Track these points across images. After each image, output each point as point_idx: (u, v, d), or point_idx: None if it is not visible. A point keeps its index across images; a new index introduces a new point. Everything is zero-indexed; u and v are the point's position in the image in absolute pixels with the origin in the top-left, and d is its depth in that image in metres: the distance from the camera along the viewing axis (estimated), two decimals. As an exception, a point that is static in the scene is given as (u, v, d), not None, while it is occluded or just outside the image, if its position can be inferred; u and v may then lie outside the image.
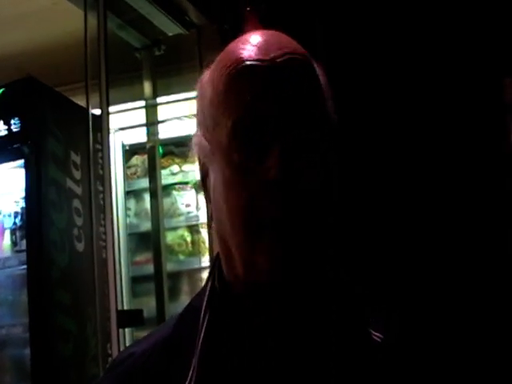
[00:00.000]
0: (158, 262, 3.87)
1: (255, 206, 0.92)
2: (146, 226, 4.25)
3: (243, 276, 0.96)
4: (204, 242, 4.28)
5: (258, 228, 0.92)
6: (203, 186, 1.04)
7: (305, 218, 0.93)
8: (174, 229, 4.42)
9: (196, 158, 1.06)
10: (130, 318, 3.15)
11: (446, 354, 1.03)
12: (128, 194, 4.63)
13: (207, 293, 1.03)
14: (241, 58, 0.97)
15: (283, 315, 0.98)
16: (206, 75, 1.03)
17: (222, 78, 0.97)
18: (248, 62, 0.96)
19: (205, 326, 0.99)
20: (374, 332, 1.00)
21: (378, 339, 0.99)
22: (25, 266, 3.42)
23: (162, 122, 3.96)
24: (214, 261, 1.07)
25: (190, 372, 0.96)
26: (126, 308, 4.27)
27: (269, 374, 0.96)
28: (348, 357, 0.96)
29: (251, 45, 0.98)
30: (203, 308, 1.01)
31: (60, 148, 3.56)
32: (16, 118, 3.41)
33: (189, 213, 4.35)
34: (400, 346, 1.00)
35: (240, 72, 0.96)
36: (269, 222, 0.92)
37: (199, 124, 1.03)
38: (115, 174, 4.46)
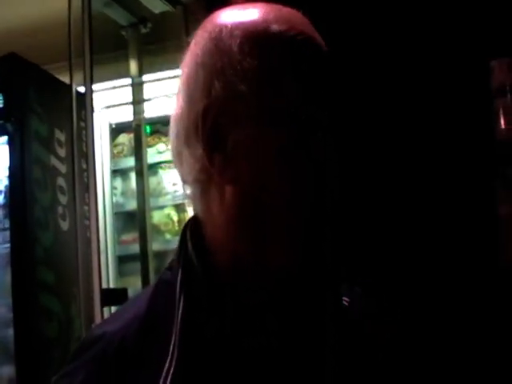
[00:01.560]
0: (143, 241, 3.85)
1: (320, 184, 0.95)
2: (133, 205, 4.22)
3: (286, 251, 0.96)
4: (190, 222, 4.25)
5: (317, 211, 0.94)
6: (211, 143, 0.95)
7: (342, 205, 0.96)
8: (161, 208, 4.39)
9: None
10: (115, 297, 3.12)
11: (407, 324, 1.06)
12: (114, 172, 4.59)
13: (181, 266, 0.99)
14: (302, 30, 0.98)
15: (286, 296, 0.97)
16: (232, 39, 0.97)
17: (290, 45, 0.96)
18: (310, 36, 0.98)
19: (182, 300, 0.96)
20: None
21: (346, 303, 1.03)
22: (8, 245, 3.40)
23: (148, 100, 3.92)
24: (182, 236, 1.03)
25: (171, 347, 0.93)
26: (112, 287, 4.26)
27: (254, 353, 0.95)
28: (334, 330, 0.98)
29: (298, 20, 1.00)
30: (178, 282, 0.98)
31: (44, 125, 3.53)
32: (-1, 95, 3.39)
33: (175, 192, 4.32)
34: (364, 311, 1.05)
35: (309, 43, 0.97)
36: (330, 205, 0.94)
37: (226, 75, 0.95)
38: (101, 152, 4.44)
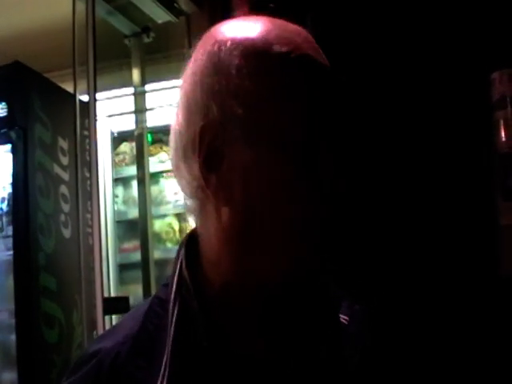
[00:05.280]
0: (145, 249, 3.86)
1: (316, 211, 0.93)
2: (134, 213, 4.24)
3: (283, 269, 0.94)
4: (191, 231, 4.26)
5: (314, 231, 0.93)
6: (207, 163, 0.94)
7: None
8: (162, 217, 4.41)
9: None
10: (116, 305, 3.14)
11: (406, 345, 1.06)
12: (116, 181, 4.62)
13: (175, 285, 0.99)
14: (304, 51, 0.95)
15: (284, 310, 0.97)
16: (229, 53, 0.94)
17: (291, 68, 0.93)
18: (313, 58, 0.95)
19: (174, 320, 0.96)
20: (341, 315, 1.04)
21: (345, 321, 1.03)
22: (11, 252, 3.41)
23: (151, 109, 3.95)
24: (178, 252, 1.03)
25: (162, 367, 0.93)
26: (113, 295, 4.27)
27: (248, 371, 0.95)
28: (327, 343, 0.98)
29: (301, 40, 0.96)
30: (171, 301, 0.98)
31: (47, 133, 3.55)
32: (3, 103, 3.40)
33: (176, 201, 4.35)
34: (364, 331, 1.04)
35: (311, 65, 0.95)
36: (321, 225, 0.94)
37: (223, 98, 0.93)
38: (103, 160, 4.45)
